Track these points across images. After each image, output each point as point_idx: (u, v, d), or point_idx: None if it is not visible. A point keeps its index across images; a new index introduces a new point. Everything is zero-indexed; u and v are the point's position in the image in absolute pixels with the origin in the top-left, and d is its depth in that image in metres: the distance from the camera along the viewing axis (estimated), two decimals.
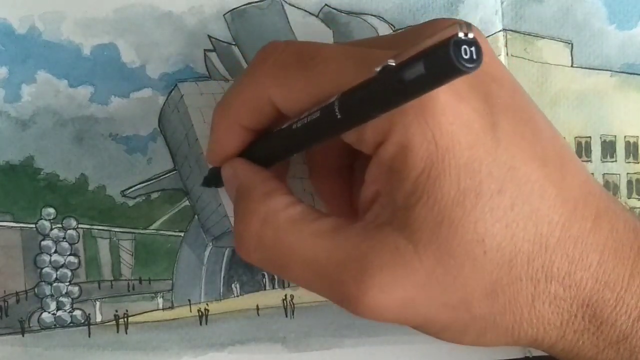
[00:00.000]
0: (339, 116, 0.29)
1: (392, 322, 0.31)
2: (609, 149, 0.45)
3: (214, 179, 0.38)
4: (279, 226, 0.32)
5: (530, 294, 0.30)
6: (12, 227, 0.41)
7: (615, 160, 0.45)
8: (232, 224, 0.41)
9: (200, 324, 0.41)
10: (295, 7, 0.41)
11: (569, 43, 0.43)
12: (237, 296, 0.42)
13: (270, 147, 0.35)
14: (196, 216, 0.42)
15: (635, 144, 0.44)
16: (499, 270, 0.30)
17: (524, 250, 0.30)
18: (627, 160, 0.44)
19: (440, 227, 0.29)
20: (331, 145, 0.36)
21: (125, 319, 0.41)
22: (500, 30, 0.43)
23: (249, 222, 0.33)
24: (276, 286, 0.42)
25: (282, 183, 0.34)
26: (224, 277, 0.42)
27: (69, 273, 0.41)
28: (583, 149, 0.45)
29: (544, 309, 0.31)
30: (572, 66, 0.43)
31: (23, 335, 0.41)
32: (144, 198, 0.42)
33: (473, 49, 0.24)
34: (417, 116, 0.29)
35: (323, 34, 0.42)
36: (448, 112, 0.29)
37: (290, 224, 0.32)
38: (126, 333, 0.41)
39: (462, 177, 0.29)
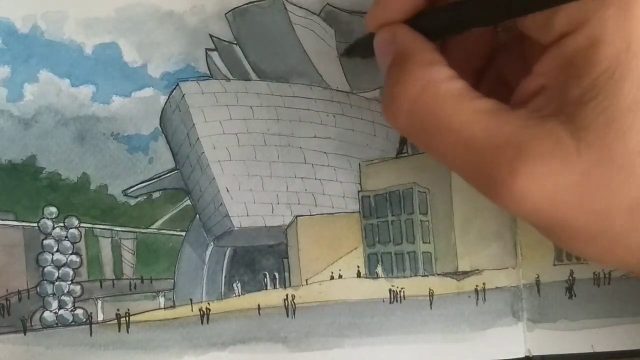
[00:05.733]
0: None
1: (528, 216, 0.30)
2: None
3: (360, 48, 0.37)
4: (438, 96, 0.31)
5: None
6: (14, 226, 0.41)
7: None
8: (232, 223, 0.42)
9: (202, 323, 0.41)
10: (296, 6, 0.41)
11: None
12: (239, 296, 0.42)
13: (438, 19, 0.33)
14: (197, 215, 0.42)
15: None
16: None
17: None
18: None
19: (608, 129, 0.28)
20: (474, 43, 0.36)
21: (127, 318, 0.41)
22: None
23: (407, 86, 0.32)
24: (277, 286, 0.42)
25: (443, 56, 0.33)
26: (225, 276, 0.42)
27: (71, 272, 0.41)
28: None
29: None
30: None
31: (25, 334, 0.41)
32: (145, 197, 0.42)
33: None
34: (618, 11, 0.28)
35: (325, 33, 0.42)
36: None
37: (451, 97, 0.31)
38: (128, 332, 0.41)
39: None
